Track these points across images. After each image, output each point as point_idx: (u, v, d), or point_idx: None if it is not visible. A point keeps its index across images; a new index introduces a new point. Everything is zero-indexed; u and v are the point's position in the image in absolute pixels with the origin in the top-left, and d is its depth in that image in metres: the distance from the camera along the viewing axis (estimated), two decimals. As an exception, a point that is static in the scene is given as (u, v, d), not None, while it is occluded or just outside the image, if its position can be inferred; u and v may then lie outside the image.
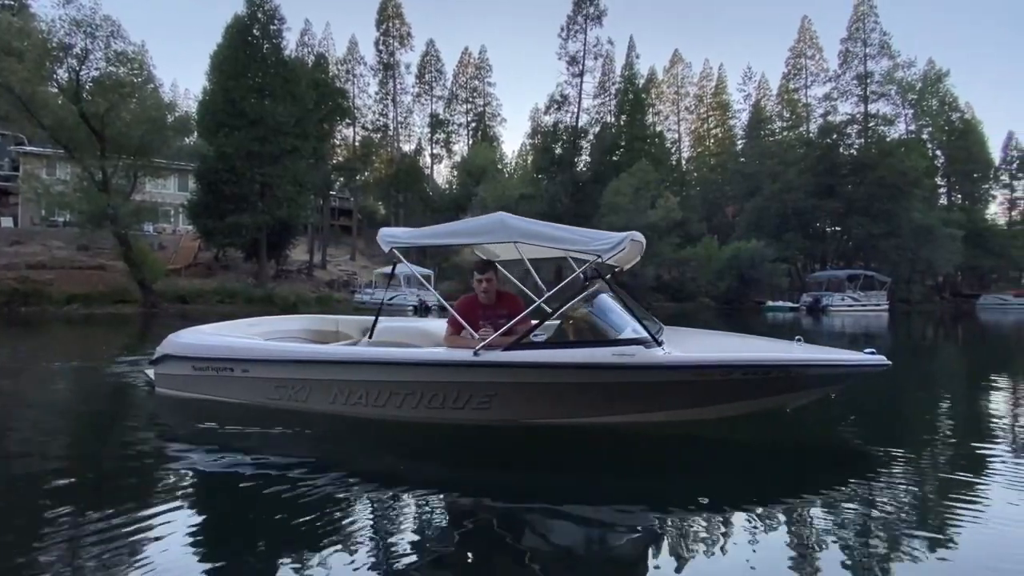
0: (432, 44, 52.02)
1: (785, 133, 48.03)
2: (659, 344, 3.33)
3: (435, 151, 52.91)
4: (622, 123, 46.43)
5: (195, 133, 26.69)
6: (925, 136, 45.97)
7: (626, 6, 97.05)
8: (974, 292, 44.86)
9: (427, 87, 52.44)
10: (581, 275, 3.91)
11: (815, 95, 46.37)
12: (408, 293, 27.68)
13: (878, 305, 31.37)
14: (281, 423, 3.57)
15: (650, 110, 51.17)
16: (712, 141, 53.87)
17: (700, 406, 3.51)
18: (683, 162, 54.44)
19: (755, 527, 2.26)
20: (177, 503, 2.42)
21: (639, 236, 3.76)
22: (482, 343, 3.42)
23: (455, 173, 48.98)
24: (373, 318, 5.05)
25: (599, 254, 3.54)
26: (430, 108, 52.71)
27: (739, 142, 51.67)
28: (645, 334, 3.37)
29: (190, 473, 2.86)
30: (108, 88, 20.03)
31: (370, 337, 4.75)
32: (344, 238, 47.75)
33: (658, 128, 51.67)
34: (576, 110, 44.57)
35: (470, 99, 54.56)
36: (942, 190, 49.39)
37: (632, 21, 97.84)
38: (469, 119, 54.51)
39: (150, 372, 4.60)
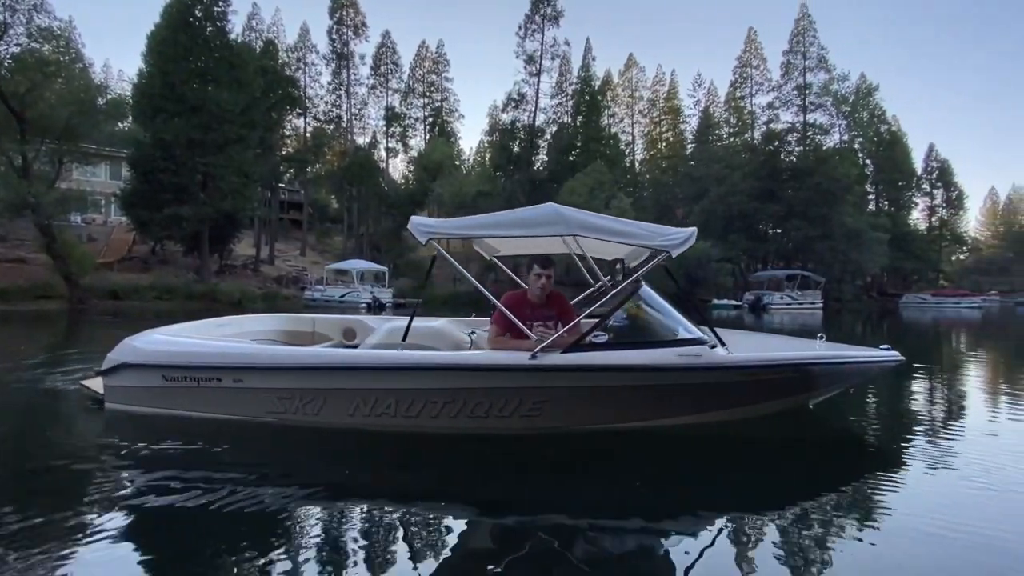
0: (388, 36, 50.92)
1: (732, 139, 50.10)
2: (722, 344, 3.30)
3: (391, 145, 51.88)
4: (578, 124, 47.08)
5: (129, 118, 25.04)
6: (856, 146, 49.14)
7: (583, 8, 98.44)
8: (897, 292, 48.53)
9: (383, 79, 51.31)
10: (626, 273, 3.95)
11: (759, 103, 48.68)
12: (361, 290, 27.06)
13: (813, 303, 33.46)
14: (257, 436, 3.27)
15: (605, 112, 52.16)
16: (664, 144, 55.48)
17: (746, 405, 3.49)
18: (637, 164, 55.84)
19: (769, 529, 2.25)
20: (139, 539, 2.08)
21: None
22: (541, 345, 3.14)
23: (411, 168, 48.18)
24: (353, 317, 4.72)
25: (668, 249, 3.31)
26: (386, 101, 51.62)
27: (689, 146, 53.46)
28: (701, 334, 3.32)
29: (148, 505, 2.37)
30: (30, 66, 18.54)
31: (404, 339, 4.06)
32: (294, 232, 46.11)
33: (613, 130, 52.80)
34: (534, 109, 44.85)
35: (427, 93, 53.83)
36: (871, 196, 52.98)
37: (588, 24, 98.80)
38: (426, 114, 53.76)
39: (93, 384, 3.89)
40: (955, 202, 59.25)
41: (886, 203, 54.06)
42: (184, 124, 24.75)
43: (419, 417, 3.24)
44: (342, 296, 26.63)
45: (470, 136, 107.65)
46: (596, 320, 3.53)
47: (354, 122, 49.76)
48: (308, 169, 41.35)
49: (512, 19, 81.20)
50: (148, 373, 3.50)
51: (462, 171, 46.08)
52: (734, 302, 34.13)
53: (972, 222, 68.11)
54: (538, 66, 44.17)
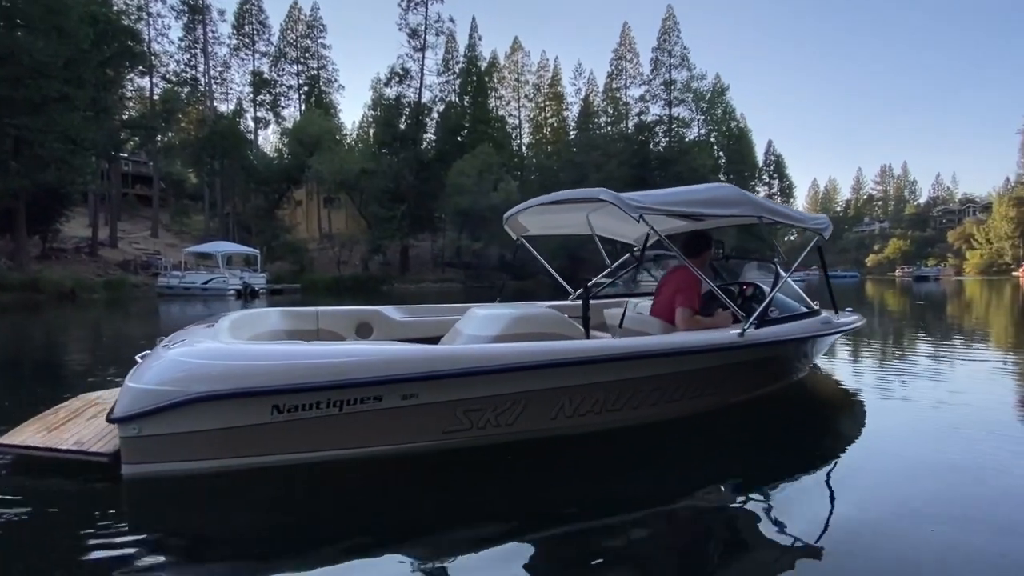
0: (253, -10, 45.78)
1: (609, 128, 53.25)
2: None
3: (260, 114, 47.14)
4: (466, 104, 46.71)
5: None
6: (712, 139, 55.22)
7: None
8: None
9: (247, 40, 46.18)
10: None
11: (633, 95, 52.29)
12: (229, 275, 24.46)
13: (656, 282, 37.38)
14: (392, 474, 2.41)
15: (492, 94, 52.36)
16: (549, 130, 57.25)
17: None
18: (523, 148, 57.02)
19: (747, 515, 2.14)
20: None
21: None
22: (748, 323, 3.18)
23: (285, 141, 44.20)
24: (369, 309, 4.18)
25: (822, 231, 3.99)
26: (252, 65, 46.64)
27: (572, 132, 55.81)
28: (814, 305, 4.00)
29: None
30: None
31: (620, 326, 3.72)
32: (143, 210, 40.22)
33: (500, 112, 53.24)
34: (419, 86, 43.56)
35: (301, 60, 49.55)
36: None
37: (473, 4, 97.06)
38: (300, 82, 49.54)
39: (35, 438, 2.46)
40: (787, 191, 69.40)
41: (736, 191, 61.66)
42: (-18, 75, 20.11)
43: (622, 410, 2.94)
44: (206, 283, 23.93)
45: (352, 109, 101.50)
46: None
47: (214, 86, 44.34)
48: (158, 137, 35.94)
49: (395, -12, 77.19)
50: (245, 407, 2.29)
51: (343, 147, 43.30)
52: (604, 278, 36.75)
53: (799, 208, 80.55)
54: (422, 41, 42.86)
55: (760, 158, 65.87)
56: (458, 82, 46.77)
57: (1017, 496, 2.28)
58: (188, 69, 41.99)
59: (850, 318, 4.35)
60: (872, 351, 6.48)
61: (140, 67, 34.35)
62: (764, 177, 67.05)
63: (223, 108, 44.74)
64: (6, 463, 2.48)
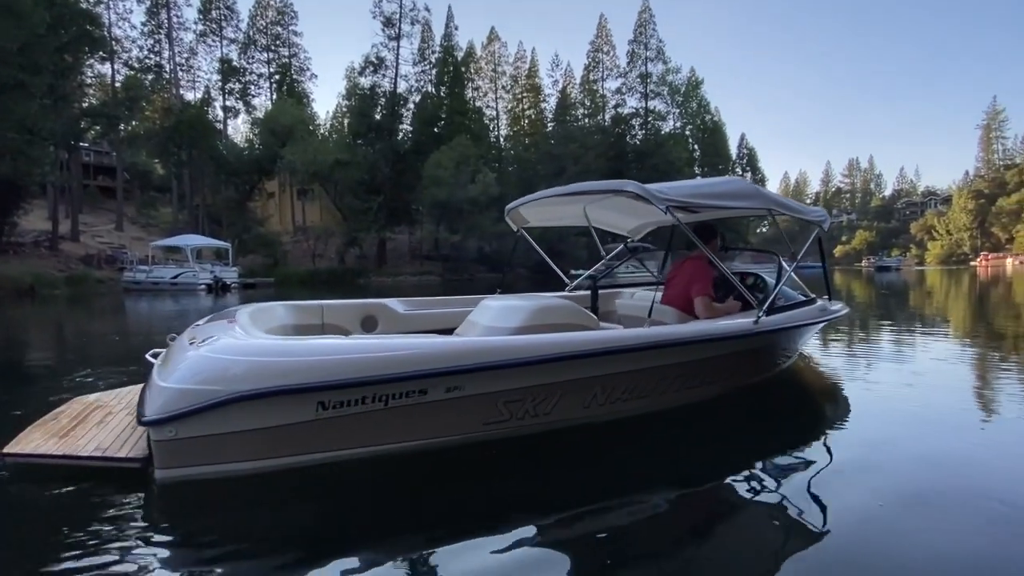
0: (220, -25, 44.19)
1: (586, 120, 53.38)
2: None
3: (229, 103, 45.69)
4: (443, 95, 46.16)
5: None
6: (687, 132, 55.88)
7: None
8: (718, 260, 57.29)
9: (215, 26, 44.62)
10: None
11: (610, 88, 52.49)
12: (199, 269, 23.82)
13: (652, 274, 37.96)
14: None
15: (469, 85, 51.86)
16: (526, 121, 57.07)
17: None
18: (501, 140, 56.75)
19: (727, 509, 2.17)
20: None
21: None
22: (761, 310, 3.30)
23: (256, 131, 42.99)
24: (374, 302, 4.09)
25: (821, 223, 4.20)
26: (220, 52, 45.11)
27: (549, 124, 55.77)
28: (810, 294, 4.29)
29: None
30: None
31: (649, 315, 3.73)
32: (106, 202, 38.75)
33: (477, 104, 52.80)
34: (394, 75, 42.89)
35: (272, 47, 48.11)
36: (698, 177, 61.04)
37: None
38: (271, 70, 48.15)
39: (26, 444, 2.33)
40: (759, 184, 70.53)
41: (710, 184, 62.72)
42: (-73, 59, 19.01)
43: (649, 397, 3.01)
44: (175, 277, 23.24)
45: (326, 99, 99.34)
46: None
47: (180, 73, 42.83)
48: (121, 126, 34.56)
49: (368, -26, 75.49)
50: (290, 405, 2.20)
51: (317, 137, 42.36)
52: (584, 271, 37.08)
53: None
54: (397, 30, 42.16)
55: (733, 151, 67.00)
56: (434, 72, 46.17)
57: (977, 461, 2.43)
58: (152, 55, 40.44)
59: (838, 306, 4.56)
60: (842, 337, 6.71)
61: (100, 53, 32.89)
62: (737, 170, 68.23)
63: (190, 96, 43.30)
64: (14, 473, 2.30)
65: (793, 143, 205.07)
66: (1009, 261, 61.04)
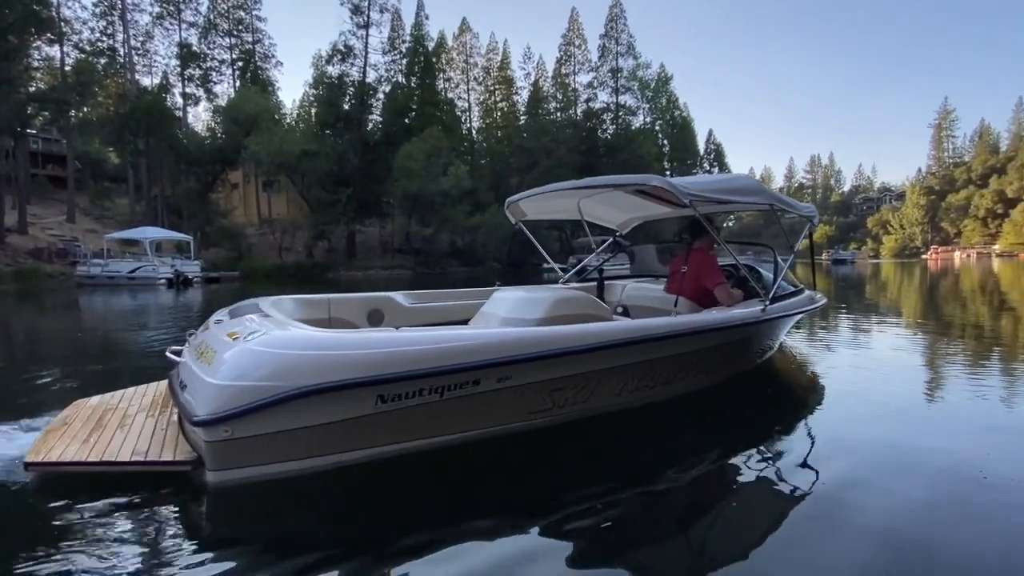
0: (177, -45, 42.22)
1: (558, 114, 53.50)
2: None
3: (188, 90, 43.88)
4: (413, 85, 45.46)
5: None
6: (657, 128, 56.66)
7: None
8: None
9: (172, 8, 42.68)
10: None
11: (581, 82, 52.67)
12: (159, 263, 22.89)
13: (623, 265, 38.49)
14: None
15: (441, 76, 51.24)
16: (499, 114, 56.81)
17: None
18: (473, 132, 56.35)
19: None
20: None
21: None
22: (767, 298, 3.51)
23: (218, 119, 41.40)
24: (380, 295, 4.15)
25: (812, 218, 4.38)
26: (179, 36, 43.22)
27: (522, 117, 55.66)
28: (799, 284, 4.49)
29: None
30: None
31: (675, 306, 3.51)
32: (57, 193, 36.79)
33: (449, 95, 52.24)
34: (363, 64, 41.99)
35: (234, 32, 46.40)
36: (667, 173, 61.92)
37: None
38: (234, 56, 46.45)
39: (35, 453, 2.16)
40: (725, 179, 72.55)
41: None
42: None
43: (672, 383, 3.15)
44: (132, 271, 22.31)
45: (292, 88, 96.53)
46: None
47: (136, 57, 40.89)
48: (71, 112, 32.78)
49: (335, -41, 73.39)
50: (350, 399, 2.14)
51: (283, 127, 41.11)
52: (561, 266, 37.35)
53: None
54: (366, 17, 41.25)
55: (701, 147, 68.40)
56: (404, 62, 45.40)
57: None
58: (105, 38, 38.41)
59: (819, 295, 4.81)
60: (807, 326, 6.96)
61: (48, 34, 31.11)
62: (705, 165, 69.65)
63: (146, 82, 41.38)
64: (34, 485, 2.10)
65: (757, 139, 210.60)
66: (957, 255, 64.50)
